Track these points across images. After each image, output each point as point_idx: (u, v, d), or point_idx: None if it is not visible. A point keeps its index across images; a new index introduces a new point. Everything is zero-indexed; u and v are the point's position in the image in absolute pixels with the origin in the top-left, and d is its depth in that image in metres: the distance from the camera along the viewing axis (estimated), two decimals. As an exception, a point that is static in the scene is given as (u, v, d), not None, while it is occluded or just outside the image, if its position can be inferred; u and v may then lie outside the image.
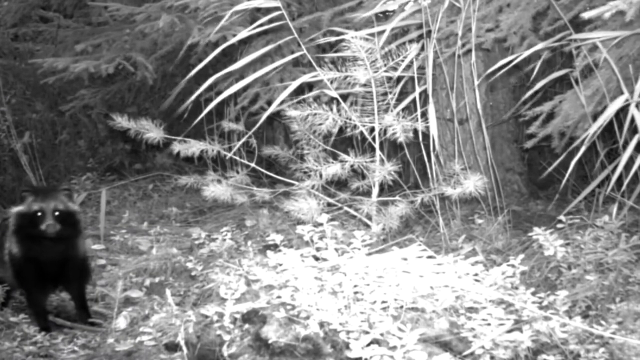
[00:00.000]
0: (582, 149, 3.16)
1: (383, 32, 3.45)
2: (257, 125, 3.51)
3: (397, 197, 3.27)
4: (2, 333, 2.82)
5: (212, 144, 3.35)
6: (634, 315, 2.41)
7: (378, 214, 3.29)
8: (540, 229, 3.02)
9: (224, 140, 4.41)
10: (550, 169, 3.47)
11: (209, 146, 3.33)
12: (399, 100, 3.55)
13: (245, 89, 4.16)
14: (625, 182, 3.10)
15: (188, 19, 4.19)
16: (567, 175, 3.21)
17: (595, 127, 3.08)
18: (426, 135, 3.31)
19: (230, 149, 3.44)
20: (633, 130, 3.07)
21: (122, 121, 3.26)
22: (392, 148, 4.06)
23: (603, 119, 3.05)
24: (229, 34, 3.69)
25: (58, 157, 6.16)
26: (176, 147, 3.32)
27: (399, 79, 3.57)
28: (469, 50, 3.47)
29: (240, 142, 3.50)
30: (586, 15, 2.73)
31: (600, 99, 3.21)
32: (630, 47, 3.24)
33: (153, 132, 3.29)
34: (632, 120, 3.03)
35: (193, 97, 3.40)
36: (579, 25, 3.41)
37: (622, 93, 3.05)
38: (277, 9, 3.17)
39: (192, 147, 3.31)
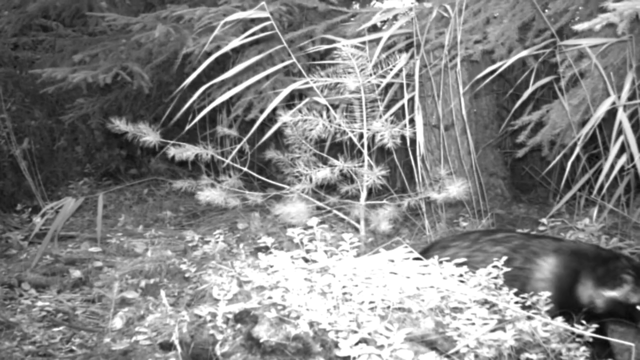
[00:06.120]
0: (576, 150, 3.21)
1: (373, 41, 3.50)
2: (251, 132, 3.54)
3: (384, 201, 3.28)
4: (2, 333, 2.82)
5: (206, 148, 3.37)
6: (614, 315, 2.46)
7: (366, 217, 3.30)
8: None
9: (217, 145, 4.45)
10: (543, 173, 3.52)
11: (203, 150, 3.34)
12: (388, 107, 3.60)
13: (238, 97, 4.19)
14: (606, 186, 3.16)
15: (183, 29, 4.20)
16: (564, 181, 3.24)
17: (586, 129, 3.14)
18: (413, 141, 3.34)
19: (223, 154, 3.47)
20: (617, 134, 3.13)
21: (120, 124, 3.27)
22: (380, 153, 4.09)
23: (594, 120, 3.11)
24: (222, 43, 3.69)
25: (56, 163, 6.19)
26: (171, 151, 3.33)
27: (388, 87, 3.61)
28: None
29: (237, 148, 3.53)
30: (578, 27, 2.75)
31: (586, 107, 3.28)
32: (614, 57, 3.29)
33: (150, 136, 3.29)
34: (619, 124, 3.11)
35: (187, 104, 3.42)
36: (563, 36, 3.48)
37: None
38: (268, 19, 3.21)
39: (187, 151, 3.30)
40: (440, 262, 2.53)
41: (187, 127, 3.74)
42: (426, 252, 2.86)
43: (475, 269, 2.61)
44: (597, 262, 2.64)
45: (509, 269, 2.56)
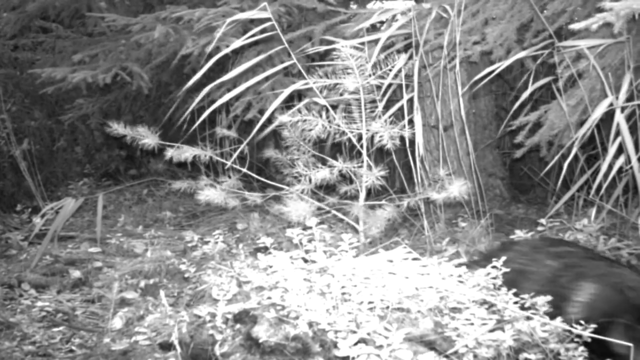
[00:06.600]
0: (573, 150, 3.21)
1: (372, 42, 3.50)
2: (252, 134, 3.54)
3: (383, 202, 3.28)
4: (2, 333, 2.81)
5: (205, 149, 3.37)
6: (612, 315, 2.47)
7: (365, 217, 3.29)
8: (522, 232, 3.10)
9: (216, 146, 4.45)
10: (541, 173, 3.53)
11: (202, 151, 3.33)
12: (387, 107, 3.60)
13: (237, 98, 4.19)
14: (604, 186, 3.17)
15: (182, 30, 4.20)
16: (562, 181, 3.25)
17: (584, 130, 3.15)
18: (412, 142, 3.34)
19: (222, 155, 3.48)
20: (615, 135, 3.14)
21: (118, 128, 3.28)
22: (379, 154, 4.09)
23: (591, 121, 3.11)
24: (222, 44, 3.69)
25: (56, 164, 6.20)
26: (170, 152, 3.32)
27: (387, 87, 3.61)
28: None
29: (238, 151, 3.53)
30: (575, 26, 2.75)
31: (584, 108, 3.29)
32: (612, 57, 3.30)
33: (148, 138, 3.29)
34: (617, 125, 3.11)
35: (191, 107, 3.42)
36: (561, 37, 3.49)
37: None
38: (268, 19, 3.20)
39: (186, 152, 3.30)
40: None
41: (189, 131, 3.74)
42: (497, 250, 2.85)
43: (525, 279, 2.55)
44: (627, 311, 2.33)
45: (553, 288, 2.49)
